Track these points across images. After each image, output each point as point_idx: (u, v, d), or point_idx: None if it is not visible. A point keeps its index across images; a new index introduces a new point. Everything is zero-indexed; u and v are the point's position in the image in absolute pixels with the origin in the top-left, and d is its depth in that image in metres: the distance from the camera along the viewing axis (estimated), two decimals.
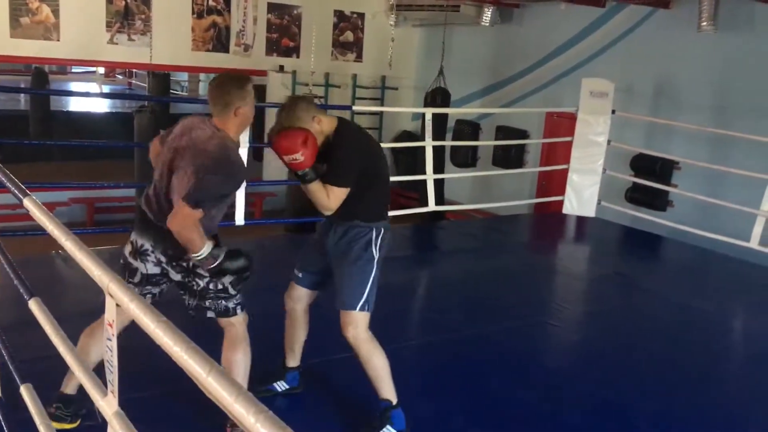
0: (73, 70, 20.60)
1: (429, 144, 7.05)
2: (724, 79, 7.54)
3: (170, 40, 9.79)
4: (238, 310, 2.84)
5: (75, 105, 16.57)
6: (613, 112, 7.35)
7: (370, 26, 11.50)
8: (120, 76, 22.19)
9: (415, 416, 3.23)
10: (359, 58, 11.54)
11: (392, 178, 11.26)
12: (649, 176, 7.80)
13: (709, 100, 7.65)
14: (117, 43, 9.51)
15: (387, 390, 3.00)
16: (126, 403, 1.66)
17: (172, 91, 15.53)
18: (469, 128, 10.31)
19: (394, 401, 3.01)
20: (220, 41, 10.21)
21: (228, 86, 2.73)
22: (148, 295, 2.76)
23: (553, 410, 3.43)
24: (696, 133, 7.40)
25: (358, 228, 2.99)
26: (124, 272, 2.75)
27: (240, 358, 2.82)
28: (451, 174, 9.23)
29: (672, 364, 4.10)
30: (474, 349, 4.14)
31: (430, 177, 7.05)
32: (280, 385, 3.32)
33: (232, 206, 6.56)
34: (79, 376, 1.83)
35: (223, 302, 2.79)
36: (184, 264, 2.71)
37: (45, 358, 2.46)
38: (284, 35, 10.77)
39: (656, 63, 8.21)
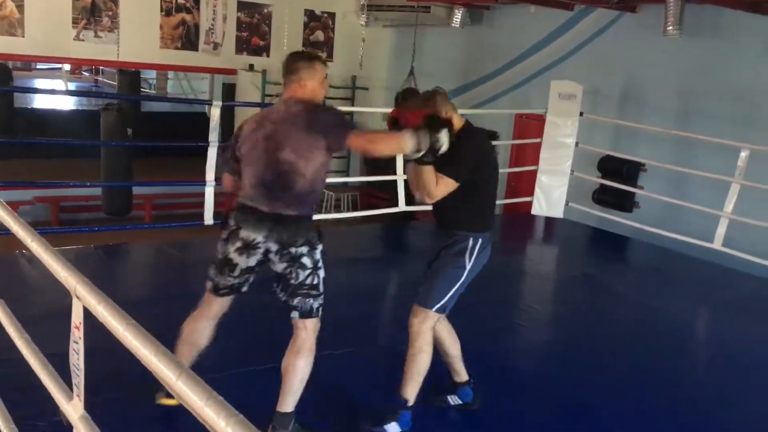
0: (38, 67, 20.21)
1: None
2: (689, 83, 7.68)
3: (138, 37, 9.67)
4: (319, 312, 2.88)
5: (40, 102, 16.26)
6: (581, 114, 7.44)
7: (340, 26, 11.48)
8: (86, 74, 21.85)
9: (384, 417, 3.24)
10: (330, 57, 11.50)
11: (362, 179, 11.24)
12: (615, 178, 7.91)
13: (674, 103, 7.79)
14: (83, 40, 9.36)
15: (411, 391, 3.07)
16: (92, 407, 1.63)
17: (141, 89, 15.35)
18: None
19: (411, 403, 3.07)
20: (189, 39, 10.11)
21: (301, 59, 2.92)
22: (244, 287, 2.92)
23: (521, 411, 3.46)
24: (661, 135, 7.53)
25: (458, 236, 3.07)
26: (223, 267, 2.86)
27: (302, 365, 2.83)
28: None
29: (638, 364, 4.16)
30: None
31: (400, 177, 7.06)
32: (453, 399, 3.38)
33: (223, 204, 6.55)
34: (44, 380, 1.80)
35: (311, 300, 2.83)
36: (292, 252, 2.76)
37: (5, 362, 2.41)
38: (254, 34, 10.70)
39: (623, 66, 8.33)
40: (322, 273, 2.85)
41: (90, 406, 1.62)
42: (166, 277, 5.26)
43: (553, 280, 6.12)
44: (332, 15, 11.44)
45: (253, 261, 2.82)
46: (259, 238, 2.76)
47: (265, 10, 10.74)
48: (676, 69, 7.79)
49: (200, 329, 2.98)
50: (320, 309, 2.88)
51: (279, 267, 2.80)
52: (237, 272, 2.85)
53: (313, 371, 2.87)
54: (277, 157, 2.74)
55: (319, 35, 11.40)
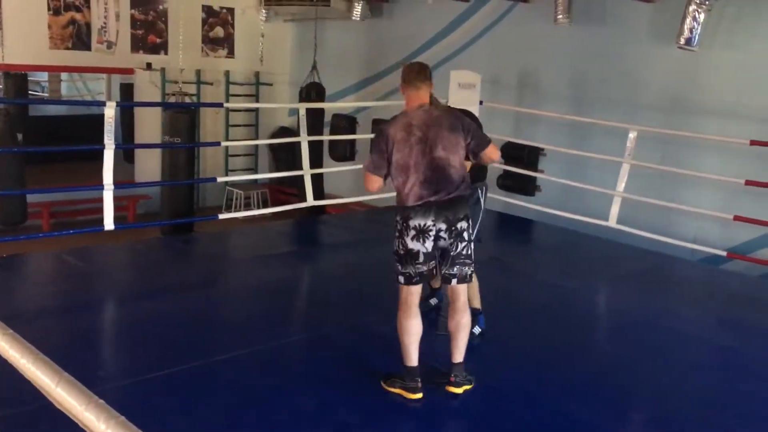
0: None
1: (304, 139, 7.05)
2: (581, 69, 8.00)
3: (24, 38, 9.19)
4: (473, 277, 3.55)
5: None
6: (481, 102, 7.63)
7: (240, 21, 11.29)
8: None
9: (299, 409, 3.25)
10: (231, 54, 11.30)
11: (270, 175, 11.04)
12: (518, 163, 8.16)
13: (567, 89, 8.10)
14: None
15: (477, 301, 4.20)
16: None
17: (31, 92, 14.60)
18: (345, 122, 10.36)
19: (480, 308, 4.22)
20: (80, 39, 9.69)
21: (426, 69, 3.57)
22: (433, 268, 3.39)
23: (431, 394, 3.52)
24: (558, 121, 7.82)
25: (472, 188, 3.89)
26: (408, 258, 3.36)
27: (467, 322, 3.51)
28: (330, 168, 9.25)
29: (545, 340, 4.34)
30: (356, 342, 4.19)
31: (307, 172, 7.05)
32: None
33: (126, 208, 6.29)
34: None
35: (467, 269, 3.43)
36: (456, 228, 3.34)
37: None
38: (150, 31, 10.37)
39: (520, 55, 8.59)
40: (471, 240, 3.46)
41: None
42: (67, 286, 5.05)
43: None
44: (231, 10, 11.23)
45: (429, 246, 3.34)
46: (428, 223, 3.32)
47: (161, 7, 10.43)
48: (568, 56, 8.10)
49: (418, 323, 3.46)
50: (473, 274, 3.54)
51: (446, 243, 3.36)
52: (422, 258, 3.35)
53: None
54: (432, 155, 3.32)
55: (219, 31, 11.17)
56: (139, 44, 10.31)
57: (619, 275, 5.90)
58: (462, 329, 3.48)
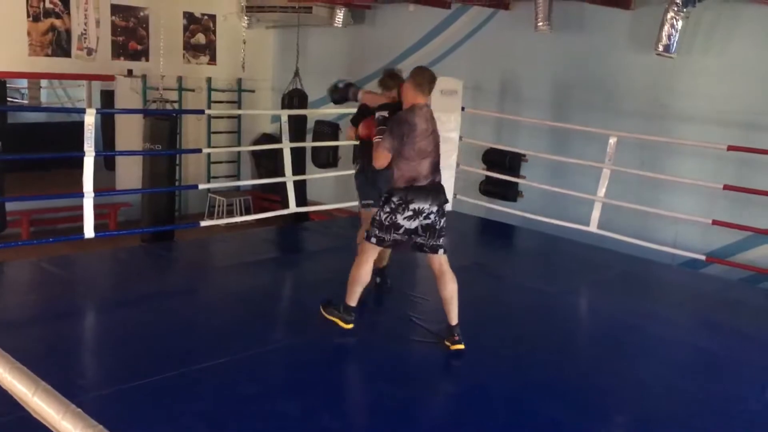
0: None
1: (287, 146, 7.04)
2: (562, 75, 8.07)
3: (3, 44, 9.11)
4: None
5: None
6: (463, 109, 7.67)
7: (222, 28, 11.26)
8: None
9: (283, 415, 3.24)
10: (213, 60, 11.27)
11: (252, 182, 11.00)
12: (499, 169, 8.21)
13: (548, 95, 8.16)
14: None
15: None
16: None
17: (10, 99, 14.46)
18: (328, 129, 10.34)
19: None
20: (60, 45, 9.62)
21: (435, 78, 4.11)
22: (403, 239, 4.06)
23: (415, 399, 3.53)
24: (539, 126, 7.88)
25: None
26: (391, 229, 3.99)
27: (456, 288, 4.09)
28: (313, 175, 9.24)
29: (531, 345, 4.35)
30: (338, 348, 4.19)
31: (289, 179, 7.04)
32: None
33: (107, 216, 6.24)
34: None
35: (445, 239, 4.07)
36: (443, 208, 4.05)
37: None
38: (131, 38, 10.32)
39: (500, 61, 8.64)
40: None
41: None
42: (46, 295, 5.00)
43: None
44: (213, 17, 11.20)
45: (414, 224, 4.01)
46: (425, 206, 3.97)
47: (141, 14, 10.38)
48: (548, 63, 8.17)
49: (369, 273, 4.15)
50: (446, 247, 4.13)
51: (432, 220, 4.01)
52: (401, 231, 4.01)
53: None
54: (436, 146, 4.09)
55: (201, 38, 11.14)
56: (119, 51, 10.26)
57: (600, 279, 5.95)
58: (455, 295, 4.08)
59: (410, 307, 4.86)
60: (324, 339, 4.26)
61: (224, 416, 3.22)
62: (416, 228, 4.02)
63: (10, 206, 8.48)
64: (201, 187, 8.27)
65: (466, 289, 5.54)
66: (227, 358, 3.85)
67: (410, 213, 3.95)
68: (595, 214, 6.72)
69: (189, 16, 10.96)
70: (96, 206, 5.79)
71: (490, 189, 8.51)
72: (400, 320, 4.64)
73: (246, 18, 10.83)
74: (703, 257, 6.32)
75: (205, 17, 11.13)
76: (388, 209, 3.99)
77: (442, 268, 4.09)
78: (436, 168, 4.07)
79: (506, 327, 4.68)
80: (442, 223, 4.04)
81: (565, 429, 3.35)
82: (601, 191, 6.71)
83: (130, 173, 9.95)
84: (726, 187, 6.17)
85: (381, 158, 4.07)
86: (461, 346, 4.03)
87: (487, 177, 8.37)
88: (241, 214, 10.35)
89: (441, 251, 4.06)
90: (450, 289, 4.08)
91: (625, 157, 6.85)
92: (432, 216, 3.99)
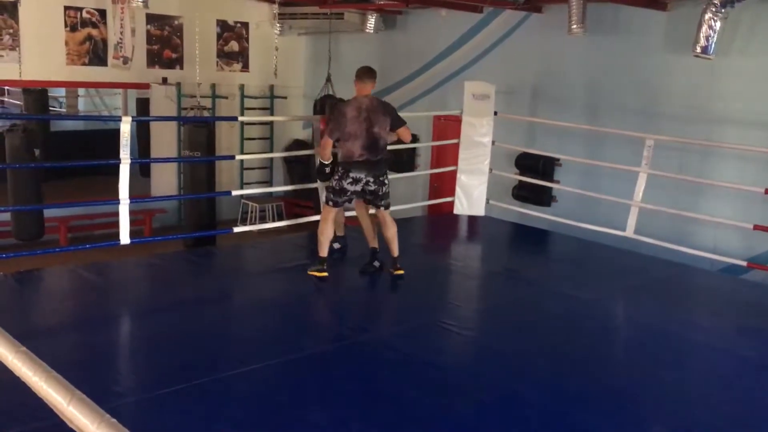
0: None
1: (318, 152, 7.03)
2: (595, 78, 7.97)
3: (42, 54, 9.32)
4: (390, 204, 5.49)
5: None
6: (496, 113, 7.61)
7: (254, 36, 11.37)
8: None
9: (314, 423, 3.22)
10: (246, 68, 11.38)
11: (284, 188, 11.11)
12: (532, 174, 8.13)
13: (582, 99, 8.06)
14: None
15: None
16: None
17: (50, 108, 14.75)
18: None
19: (378, 249, 5.72)
20: (96, 54, 9.81)
21: (372, 71, 5.41)
22: (348, 200, 5.48)
23: (448, 407, 3.49)
24: (573, 131, 7.78)
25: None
26: (341, 193, 5.30)
27: (395, 229, 5.47)
28: None
29: (563, 353, 4.27)
30: (369, 354, 4.17)
31: (321, 185, 7.03)
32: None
33: (142, 222, 6.28)
34: None
35: (388, 199, 5.43)
36: (381, 179, 5.30)
37: None
38: (166, 46, 10.48)
39: (533, 65, 8.57)
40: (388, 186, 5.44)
41: None
42: (83, 301, 5.07)
43: (476, 277, 6.23)
44: (246, 24, 11.32)
45: (357, 188, 5.28)
46: (362, 175, 5.23)
47: (176, 22, 10.53)
48: (583, 66, 8.07)
49: (331, 228, 5.41)
50: (390, 205, 5.49)
51: (373, 187, 5.30)
52: (348, 195, 5.37)
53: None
54: (371, 130, 5.17)
55: (234, 45, 11.26)
56: (154, 59, 10.42)
57: (636, 285, 5.83)
58: (394, 235, 5.46)
59: (444, 314, 4.82)
60: (357, 346, 4.24)
61: (256, 423, 3.22)
62: (361, 191, 5.31)
63: (48, 213, 8.65)
64: (234, 193, 8.32)
65: (498, 295, 5.54)
66: (260, 364, 3.85)
67: (351, 180, 5.23)
68: (632, 219, 6.60)
69: (222, 24, 11.09)
70: (131, 213, 5.87)
71: (524, 194, 8.43)
72: (433, 327, 4.60)
73: (278, 25, 10.93)
74: (744, 263, 6.15)
75: (238, 25, 11.25)
76: (336, 177, 5.31)
77: (385, 218, 5.45)
78: (369, 147, 5.17)
79: (540, 334, 4.61)
80: (384, 190, 5.35)
81: None
82: (638, 195, 6.59)
83: (165, 180, 10.10)
84: None
85: (324, 144, 5.38)
86: (401, 272, 5.42)
87: (521, 182, 8.29)
88: (274, 220, 10.41)
89: (383, 208, 5.41)
90: (391, 231, 5.45)
91: (662, 160, 6.72)
92: (371, 185, 5.27)
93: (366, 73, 5.37)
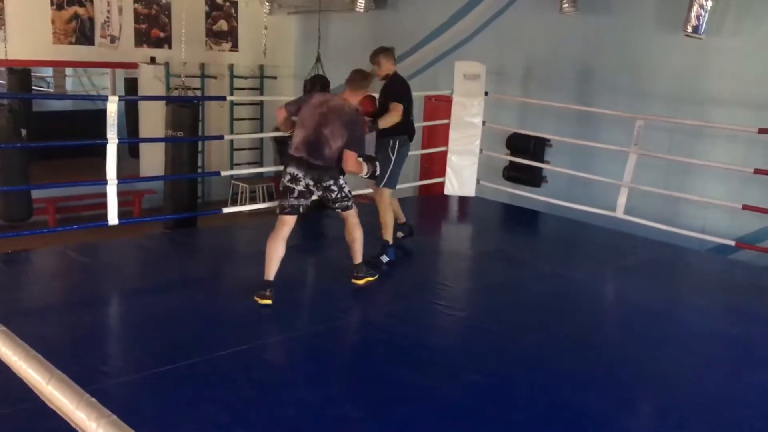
0: None
1: None
2: (586, 59, 7.93)
3: (28, 33, 9.19)
4: (353, 206, 4.75)
5: None
6: (486, 93, 7.57)
7: (244, 14, 11.25)
8: None
9: (303, 403, 3.23)
10: (235, 47, 11.27)
11: (275, 168, 11.02)
12: (523, 154, 8.11)
13: (573, 79, 8.03)
14: None
15: (389, 236, 5.39)
16: None
17: (35, 87, 14.58)
18: None
19: (391, 242, 5.39)
20: (83, 33, 9.68)
21: (364, 81, 4.73)
22: (302, 206, 4.54)
23: (438, 387, 3.50)
24: (564, 111, 7.75)
25: (389, 137, 5.40)
26: (285, 193, 4.52)
27: (359, 236, 4.80)
28: None
29: (554, 331, 4.29)
30: (360, 334, 4.17)
31: None
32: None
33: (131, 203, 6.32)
34: None
35: (345, 202, 4.70)
36: (323, 184, 4.56)
37: None
38: (153, 25, 10.35)
39: (524, 45, 8.51)
40: (347, 188, 4.70)
41: None
42: (71, 282, 5.04)
43: (467, 258, 6.23)
44: (235, 3, 11.19)
45: (302, 188, 4.50)
46: (299, 174, 4.49)
47: (164, 1, 10.40)
48: (574, 45, 8.02)
49: (280, 247, 4.49)
50: (353, 204, 4.76)
51: (318, 194, 4.63)
52: (296, 194, 4.51)
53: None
54: (320, 129, 4.48)
55: (223, 25, 11.14)
56: (142, 38, 10.30)
57: (626, 266, 5.85)
58: (356, 241, 4.80)
59: (434, 295, 4.82)
60: (346, 326, 4.25)
61: (246, 403, 3.21)
62: (305, 194, 4.54)
63: (35, 194, 8.58)
64: (223, 173, 8.27)
65: (489, 275, 5.54)
66: (250, 345, 3.85)
67: (289, 176, 4.52)
68: (622, 200, 6.60)
69: (211, 3, 10.97)
70: (120, 193, 5.82)
71: (514, 174, 8.42)
72: (423, 307, 4.61)
73: (267, 4, 10.81)
74: (732, 243, 6.18)
75: (227, 4, 11.12)
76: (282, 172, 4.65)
77: (347, 220, 4.79)
78: (310, 146, 4.47)
79: (530, 314, 4.62)
80: (336, 195, 4.65)
81: (590, 418, 3.30)
82: (628, 176, 6.59)
83: (153, 160, 10.01)
84: (757, 171, 6.02)
85: (278, 111, 4.78)
86: (359, 282, 4.86)
87: (511, 162, 8.28)
88: (264, 201, 10.37)
89: (343, 210, 4.75)
90: (350, 236, 4.81)
91: (652, 141, 6.72)
92: (313, 188, 4.56)
93: (354, 80, 4.72)
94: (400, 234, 5.86)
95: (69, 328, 4.06)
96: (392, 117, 5.14)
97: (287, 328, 4.20)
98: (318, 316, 4.52)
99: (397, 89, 5.33)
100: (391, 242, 5.36)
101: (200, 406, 3.16)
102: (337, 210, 4.75)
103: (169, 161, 8.22)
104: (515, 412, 3.30)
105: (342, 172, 4.64)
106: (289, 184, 4.51)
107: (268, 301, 4.37)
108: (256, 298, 4.38)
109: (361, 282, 4.84)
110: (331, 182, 4.59)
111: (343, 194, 4.67)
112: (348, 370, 3.64)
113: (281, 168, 4.67)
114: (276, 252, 4.46)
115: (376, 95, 5.45)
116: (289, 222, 4.53)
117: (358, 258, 4.84)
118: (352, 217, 4.77)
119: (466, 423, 3.16)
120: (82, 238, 6.84)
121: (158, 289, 4.86)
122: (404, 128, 5.33)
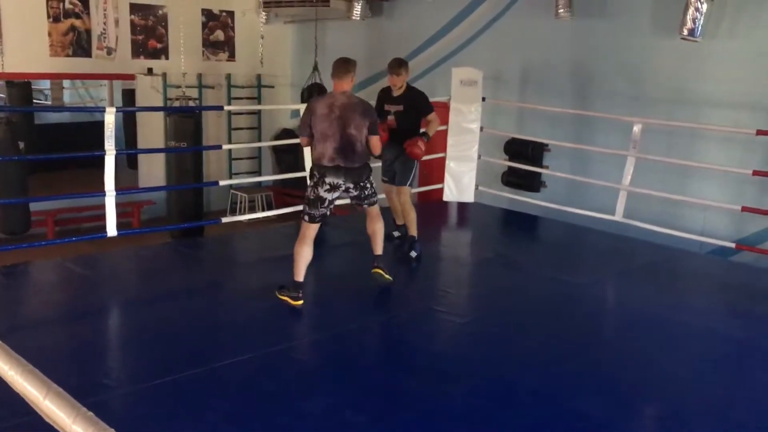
0: None
1: None
2: (583, 63, 7.94)
3: (25, 46, 9.20)
4: (377, 200, 4.90)
5: None
6: (483, 99, 7.58)
7: (240, 24, 11.27)
8: None
9: (306, 411, 3.21)
10: (232, 57, 11.29)
11: (273, 177, 11.05)
12: (522, 159, 8.11)
13: (570, 83, 8.04)
14: None
15: (414, 230, 5.73)
16: None
17: (34, 100, 14.60)
18: None
19: (416, 237, 5.75)
20: (80, 45, 9.69)
21: (348, 64, 4.72)
22: (328, 211, 4.69)
23: (440, 393, 3.48)
24: (562, 116, 7.76)
25: None
26: (317, 203, 4.57)
27: (381, 226, 4.99)
28: None
29: (554, 336, 4.27)
30: (361, 342, 4.16)
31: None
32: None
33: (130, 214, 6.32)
34: None
35: (373, 198, 4.87)
36: (361, 184, 4.71)
37: None
38: (150, 36, 10.36)
39: (521, 50, 8.53)
40: (374, 185, 4.89)
41: None
42: (71, 294, 5.03)
43: (467, 264, 6.22)
44: (231, 13, 11.21)
45: (335, 196, 4.63)
46: (339, 181, 4.58)
47: (160, 12, 10.41)
48: (570, 50, 8.04)
49: (310, 251, 4.64)
50: (377, 199, 4.91)
51: (355, 192, 4.74)
52: (326, 204, 4.60)
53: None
54: (346, 129, 4.55)
55: (219, 35, 11.16)
56: (139, 50, 10.31)
57: (627, 269, 5.84)
58: (378, 232, 4.95)
59: (432, 301, 4.81)
60: (348, 334, 4.23)
61: (248, 413, 3.20)
62: (338, 198, 4.70)
63: (34, 206, 8.58)
64: (222, 183, 8.25)
65: (489, 280, 5.53)
66: (251, 354, 3.83)
67: (328, 186, 4.56)
68: (621, 203, 6.60)
69: (207, 13, 10.98)
70: (119, 204, 5.81)
71: (513, 180, 8.42)
72: (424, 313, 4.59)
73: (264, 14, 10.83)
74: (732, 245, 6.17)
75: (224, 14, 11.15)
76: (311, 183, 4.63)
77: (371, 212, 4.92)
78: (343, 151, 4.54)
79: (531, 319, 4.61)
80: (366, 193, 4.78)
81: (593, 422, 3.28)
82: (626, 179, 6.59)
83: (152, 171, 10.02)
84: (755, 173, 6.02)
85: (301, 142, 4.96)
86: (381, 272, 4.95)
87: (510, 168, 8.28)
88: (263, 210, 10.37)
89: (368, 206, 4.87)
90: (373, 226, 4.95)
91: (650, 144, 6.72)
92: (352, 191, 4.71)
93: (339, 68, 4.70)
94: (396, 233, 6.16)
95: (69, 340, 4.05)
96: (437, 124, 5.89)
97: (287, 337, 4.18)
98: (319, 324, 4.51)
99: (426, 99, 5.87)
100: (416, 237, 5.72)
101: (203, 417, 3.14)
102: (364, 206, 4.88)
103: (174, 172, 8.23)
104: (518, 418, 3.28)
105: (370, 169, 4.84)
106: (324, 194, 4.56)
107: (301, 302, 4.55)
108: (287, 299, 4.56)
109: (384, 273, 4.96)
110: (367, 181, 4.78)
111: (373, 190, 4.86)
112: (350, 378, 3.62)
113: (280, 177, 4.71)
114: (307, 256, 4.62)
115: (375, 96, 6.03)
116: (315, 228, 4.69)
117: (380, 249, 5.02)
118: (376, 209, 4.95)
119: (469, 429, 3.15)
120: (81, 250, 6.83)
121: (159, 300, 4.85)
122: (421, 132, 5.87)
